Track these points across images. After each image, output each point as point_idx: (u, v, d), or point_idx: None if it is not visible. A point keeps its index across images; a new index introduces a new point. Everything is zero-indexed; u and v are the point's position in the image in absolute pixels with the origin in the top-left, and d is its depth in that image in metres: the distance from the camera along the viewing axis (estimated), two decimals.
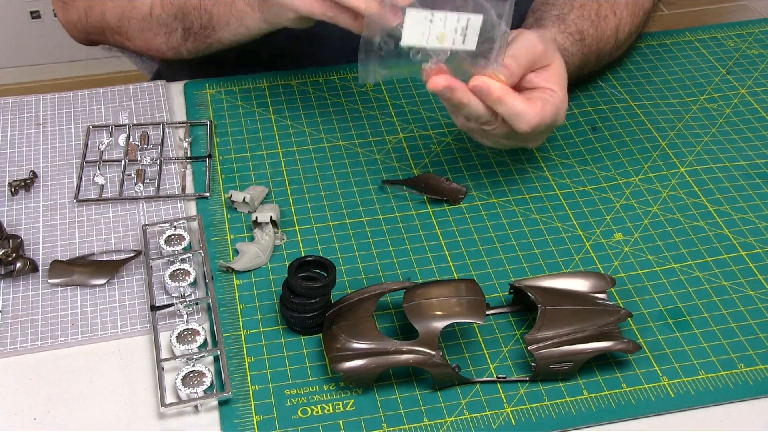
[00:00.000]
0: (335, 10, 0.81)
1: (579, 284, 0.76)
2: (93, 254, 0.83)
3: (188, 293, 0.79)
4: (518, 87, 0.82)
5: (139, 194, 0.89)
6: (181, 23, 0.98)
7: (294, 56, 1.06)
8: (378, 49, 0.77)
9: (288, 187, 0.90)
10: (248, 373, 0.73)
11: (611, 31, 0.97)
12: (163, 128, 0.96)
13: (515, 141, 0.85)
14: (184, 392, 0.71)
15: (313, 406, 0.71)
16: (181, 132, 0.97)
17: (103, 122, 0.98)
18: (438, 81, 0.78)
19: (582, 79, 0.99)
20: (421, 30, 0.76)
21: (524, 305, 0.78)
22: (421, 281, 0.79)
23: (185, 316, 0.77)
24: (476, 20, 0.77)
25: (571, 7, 0.94)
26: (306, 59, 1.05)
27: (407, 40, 0.76)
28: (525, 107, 0.79)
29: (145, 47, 1.04)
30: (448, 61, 0.78)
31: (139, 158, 0.93)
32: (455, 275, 0.81)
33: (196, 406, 0.71)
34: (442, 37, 0.77)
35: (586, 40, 0.94)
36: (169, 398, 0.71)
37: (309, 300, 0.74)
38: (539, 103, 0.80)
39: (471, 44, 0.78)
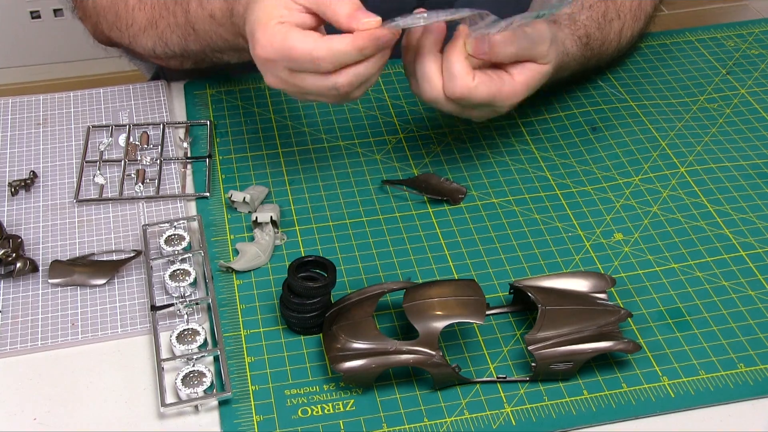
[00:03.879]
0: None
1: (579, 284, 0.76)
2: (93, 254, 0.83)
3: (188, 293, 0.79)
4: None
5: (139, 194, 0.89)
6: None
7: None
8: None
9: (288, 187, 0.90)
10: (248, 373, 0.73)
11: (614, 35, 0.97)
12: (163, 128, 0.96)
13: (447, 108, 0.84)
14: (184, 392, 0.71)
15: (313, 406, 0.71)
16: (181, 132, 0.97)
17: (103, 122, 0.98)
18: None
19: (578, 78, 0.99)
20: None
21: (524, 305, 0.78)
22: (421, 281, 0.79)
23: (185, 316, 0.77)
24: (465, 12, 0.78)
25: (581, 6, 0.94)
26: None
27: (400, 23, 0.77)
28: (462, 72, 0.79)
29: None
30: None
31: (139, 158, 0.93)
32: (455, 275, 0.81)
33: (196, 406, 0.71)
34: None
35: (590, 44, 0.94)
36: (169, 398, 0.71)
37: (309, 300, 0.74)
38: (479, 79, 0.80)
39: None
